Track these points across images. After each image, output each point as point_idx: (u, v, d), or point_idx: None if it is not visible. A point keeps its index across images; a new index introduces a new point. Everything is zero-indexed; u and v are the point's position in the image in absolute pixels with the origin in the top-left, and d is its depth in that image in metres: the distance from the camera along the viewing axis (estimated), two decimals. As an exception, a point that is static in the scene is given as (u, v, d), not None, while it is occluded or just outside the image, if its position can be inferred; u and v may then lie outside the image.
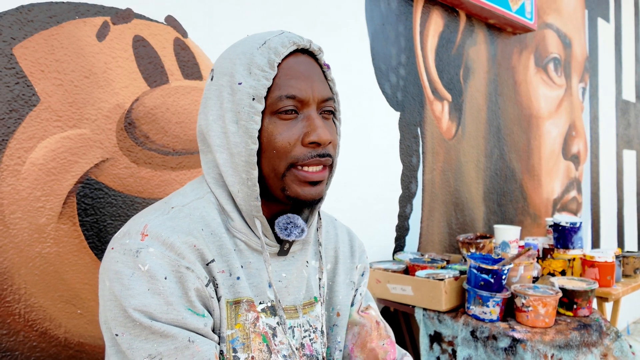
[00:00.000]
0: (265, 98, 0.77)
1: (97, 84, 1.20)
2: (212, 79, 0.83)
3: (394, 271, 1.74)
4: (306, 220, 0.88)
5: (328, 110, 0.82)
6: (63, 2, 1.15)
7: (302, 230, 0.82)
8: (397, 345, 1.02)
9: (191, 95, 1.37)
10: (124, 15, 1.25)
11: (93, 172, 1.19)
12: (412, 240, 2.12)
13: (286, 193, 0.79)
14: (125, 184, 1.24)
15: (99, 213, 1.20)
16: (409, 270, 1.77)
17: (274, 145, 0.77)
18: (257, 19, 1.55)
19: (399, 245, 2.07)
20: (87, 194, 1.18)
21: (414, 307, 1.67)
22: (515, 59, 2.76)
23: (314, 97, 0.79)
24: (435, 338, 1.63)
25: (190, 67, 1.37)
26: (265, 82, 0.77)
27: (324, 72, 0.84)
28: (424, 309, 1.64)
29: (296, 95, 0.78)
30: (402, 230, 2.08)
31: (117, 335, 0.70)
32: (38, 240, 1.11)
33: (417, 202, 2.14)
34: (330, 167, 0.84)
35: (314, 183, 0.79)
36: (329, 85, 0.84)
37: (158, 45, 1.31)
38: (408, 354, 1.03)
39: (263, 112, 0.78)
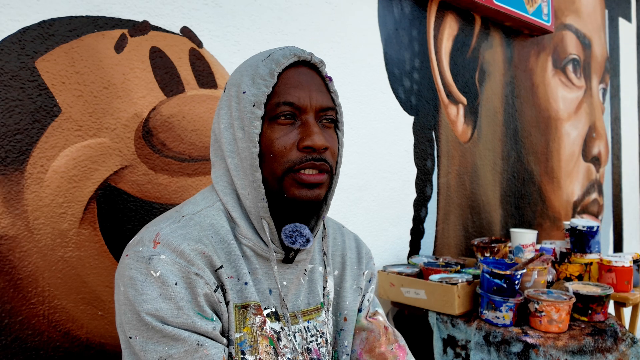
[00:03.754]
0: (266, 105, 0.81)
1: (116, 94, 1.24)
2: (224, 91, 0.88)
3: (408, 275, 1.75)
4: (312, 230, 0.91)
5: (328, 119, 0.86)
6: (82, 17, 1.20)
7: (307, 240, 0.85)
8: (408, 351, 1.03)
9: (206, 104, 1.41)
10: (141, 28, 1.29)
11: (113, 179, 1.24)
12: (427, 243, 2.13)
13: (284, 196, 0.82)
14: (144, 190, 1.29)
15: (118, 218, 1.25)
16: (422, 274, 1.78)
17: (271, 149, 0.81)
18: (270, 29, 1.58)
19: (414, 249, 2.08)
20: (107, 200, 1.23)
21: (427, 310, 1.68)
22: (533, 60, 2.74)
23: (312, 105, 0.83)
24: (449, 342, 1.63)
25: (205, 76, 1.41)
26: (265, 90, 0.81)
27: (326, 84, 0.87)
28: (438, 313, 1.65)
29: (293, 102, 0.81)
30: (417, 234, 2.09)
31: (130, 337, 0.74)
32: (61, 245, 1.16)
33: (432, 205, 2.14)
34: (330, 175, 0.86)
35: (311, 186, 0.82)
36: (330, 96, 0.87)
37: (174, 56, 1.35)
38: None
39: (264, 118, 0.82)
